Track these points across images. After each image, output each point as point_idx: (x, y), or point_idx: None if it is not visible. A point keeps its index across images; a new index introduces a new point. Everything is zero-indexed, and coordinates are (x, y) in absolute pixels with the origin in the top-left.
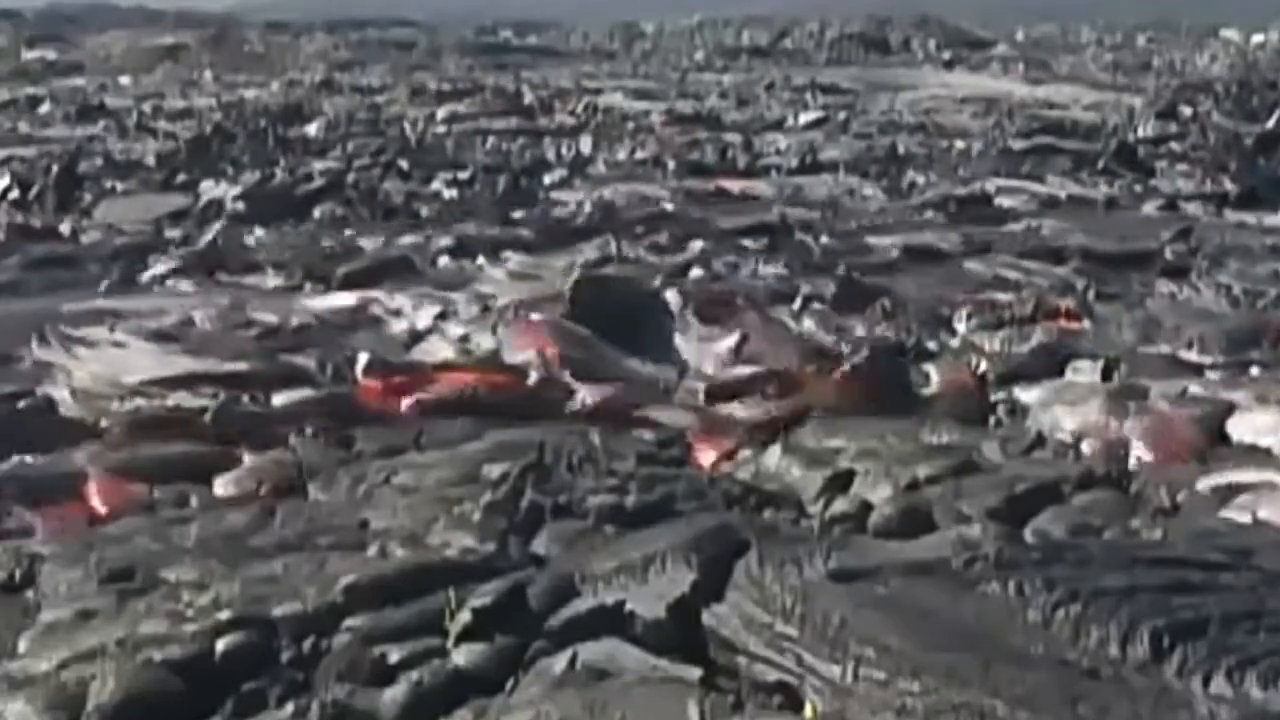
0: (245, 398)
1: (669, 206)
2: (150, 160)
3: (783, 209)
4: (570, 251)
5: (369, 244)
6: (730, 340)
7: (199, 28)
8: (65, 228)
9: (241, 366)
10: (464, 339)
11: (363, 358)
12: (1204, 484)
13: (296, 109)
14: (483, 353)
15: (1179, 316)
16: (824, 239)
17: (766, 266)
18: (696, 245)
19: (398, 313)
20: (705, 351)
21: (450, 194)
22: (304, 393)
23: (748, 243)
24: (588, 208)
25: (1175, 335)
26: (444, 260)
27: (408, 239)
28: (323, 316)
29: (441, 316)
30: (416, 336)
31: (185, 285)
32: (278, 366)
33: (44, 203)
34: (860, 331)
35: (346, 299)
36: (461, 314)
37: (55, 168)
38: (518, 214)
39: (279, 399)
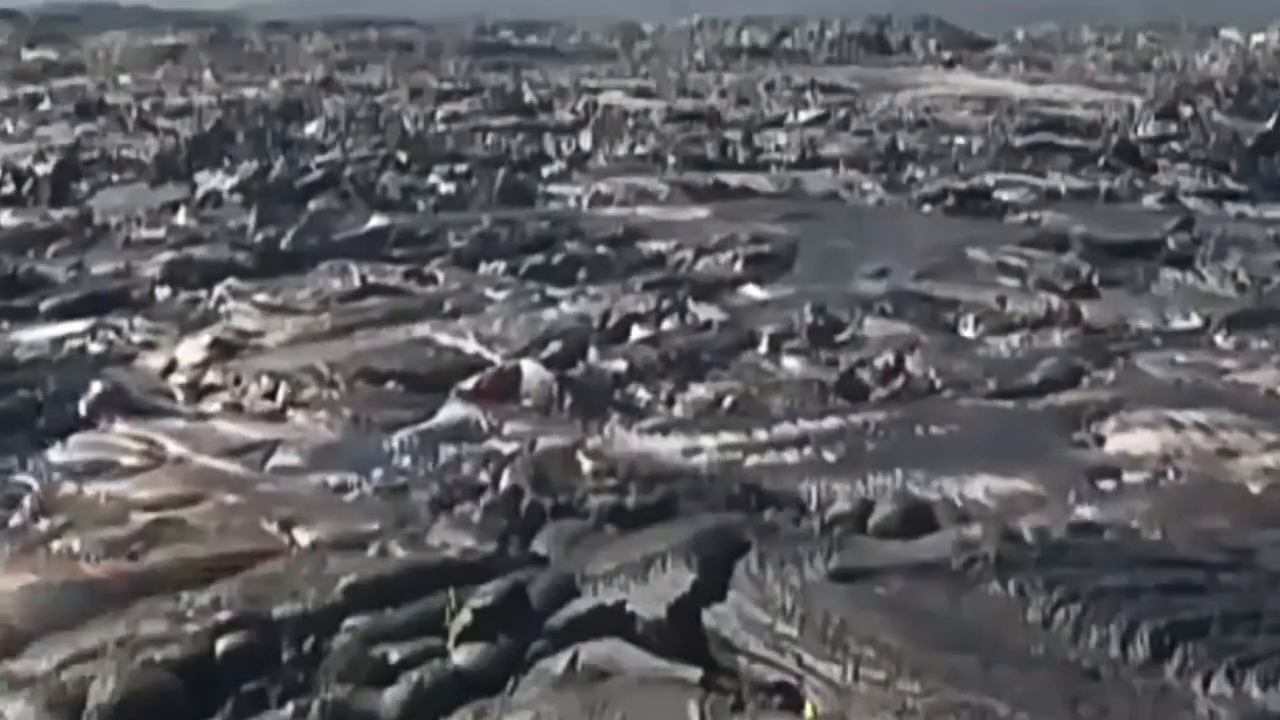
0: None
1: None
2: (149, 157)
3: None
4: (302, 278)
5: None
6: None
7: (199, 28)
8: None
9: None
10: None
11: (95, 386)
12: None
13: (296, 107)
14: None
15: (1185, 300)
16: (600, 249)
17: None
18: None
19: (149, 345)
20: None
21: (447, 188)
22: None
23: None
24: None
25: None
26: (162, 291)
27: (104, 266)
28: (49, 350)
29: (214, 349)
30: (194, 387)
31: None
32: None
33: (38, 195)
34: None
35: (74, 327)
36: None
37: (52, 162)
38: (513, 210)
39: None
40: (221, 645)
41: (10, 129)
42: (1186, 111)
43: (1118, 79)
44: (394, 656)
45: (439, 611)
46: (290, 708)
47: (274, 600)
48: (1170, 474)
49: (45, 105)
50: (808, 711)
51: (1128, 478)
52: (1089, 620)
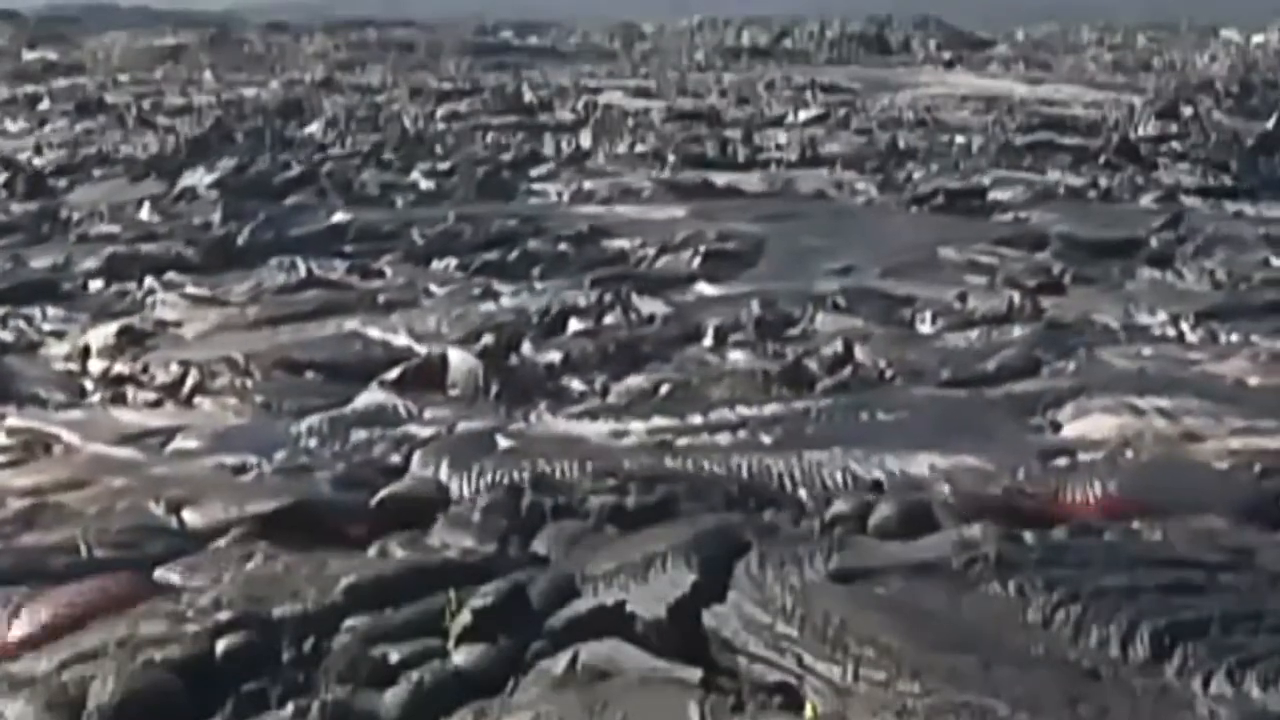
0: None
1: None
2: (145, 156)
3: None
4: (248, 273)
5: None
6: None
7: (199, 28)
8: None
9: None
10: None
11: None
12: None
13: (296, 107)
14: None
15: (1158, 297)
16: (562, 246)
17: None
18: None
19: (57, 334)
20: None
21: (428, 184)
22: None
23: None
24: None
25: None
26: (95, 284)
27: (44, 260)
28: None
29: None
30: (101, 377)
31: None
32: None
33: (13, 190)
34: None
35: None
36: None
37: (44, 159)
38: (485, 207)
39: None
40: (221, 645)
41: (10, 128)
42: (1186, 111)
43: (1118, 79)
44: (394, 656)
45: (439, 611)
46: (290, 708)
47: (274, 600)
48: (1129, 454)
49: (45, 105)
50: (808, 711)
51: (1083, 457)
52: (1089, 620)
